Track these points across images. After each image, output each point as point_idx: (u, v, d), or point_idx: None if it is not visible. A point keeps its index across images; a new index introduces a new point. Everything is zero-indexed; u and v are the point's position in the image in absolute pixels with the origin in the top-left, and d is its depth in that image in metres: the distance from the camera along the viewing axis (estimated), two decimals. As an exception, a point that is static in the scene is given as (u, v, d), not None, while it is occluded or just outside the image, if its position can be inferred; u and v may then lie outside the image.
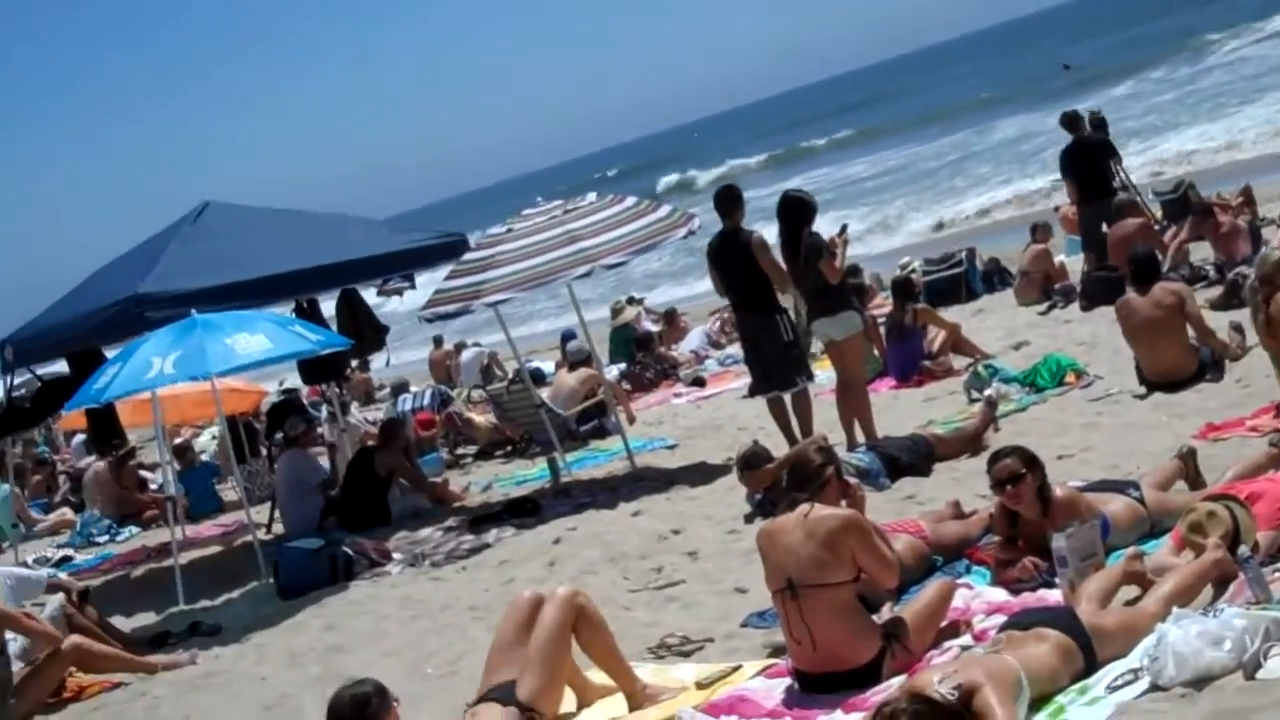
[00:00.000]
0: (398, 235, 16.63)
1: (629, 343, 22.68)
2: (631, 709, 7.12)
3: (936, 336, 15.73)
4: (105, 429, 17.14)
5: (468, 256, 14.91)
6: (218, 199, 16.23)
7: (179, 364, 12.40)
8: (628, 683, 7.20)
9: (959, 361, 15.21)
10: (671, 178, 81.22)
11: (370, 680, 6.54)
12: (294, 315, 15.79)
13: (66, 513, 20.92)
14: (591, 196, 14.98)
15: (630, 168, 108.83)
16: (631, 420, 16.62)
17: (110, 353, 14.36)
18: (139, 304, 13.50)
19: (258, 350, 12.62)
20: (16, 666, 10.24)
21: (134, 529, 18.49)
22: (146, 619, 12.44)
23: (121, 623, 12.01)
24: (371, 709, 6.34)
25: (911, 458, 11.06)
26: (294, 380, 21.37)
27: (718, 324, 23.38)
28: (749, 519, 10.53)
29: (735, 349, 21.17)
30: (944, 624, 7.04)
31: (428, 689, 8.45)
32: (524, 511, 12.92)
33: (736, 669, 7.33)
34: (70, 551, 17.88)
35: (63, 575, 13.33)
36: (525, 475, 15.50)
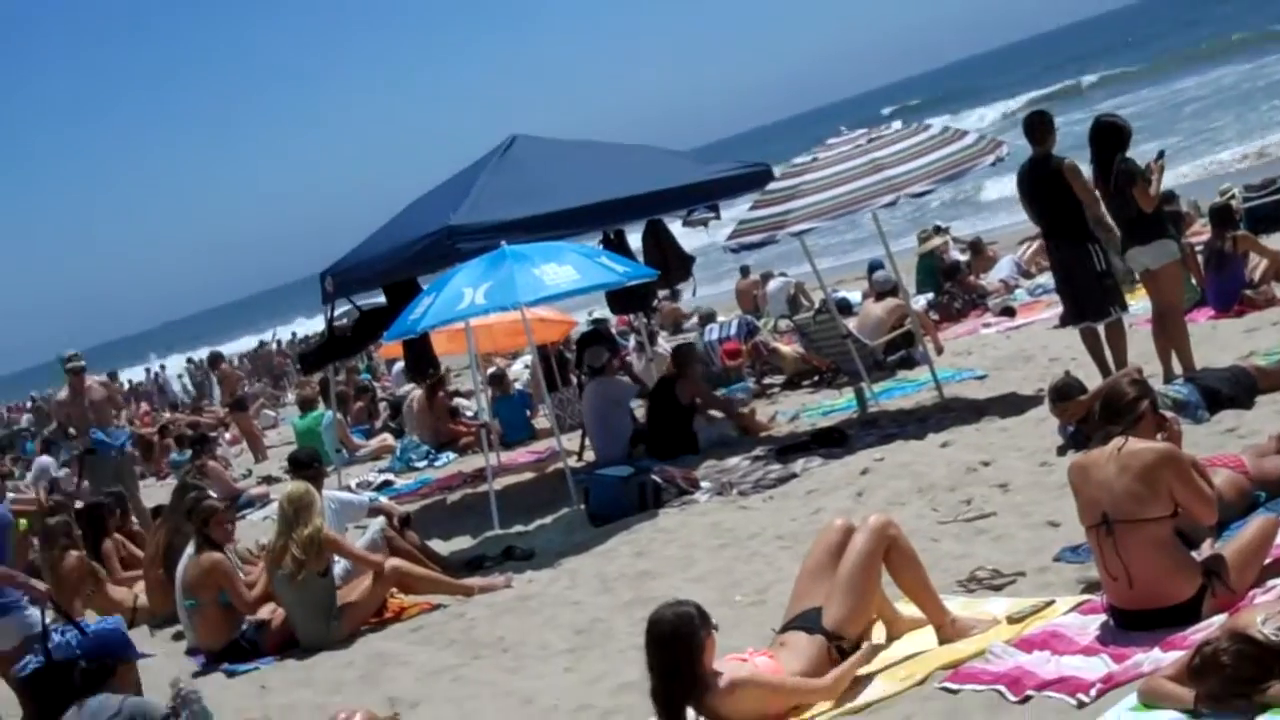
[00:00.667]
0: (702, 166, 16.66)
1: (935, 272, 22.35)
2: (941, 642, 7.03)
3: (1258, 265, 15.09)
4: (421, 358, 17.60)
5: (772, 187, 14.84)
6: (525, 133, 16.47)
7: (490, 294, 12.68)
8: (937, 615, 7.11)
9: (1284, 290, 14.57)
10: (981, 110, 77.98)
11: (691, 601, 6.60)
12: (601, 246, 15.97)
13: (387, 438, 21.65)
14: (896, 125, 14.76)
15: (923, 102, 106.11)
16: (939, 351, 16.42)
17: (425, 283, 14.75)
18: (451, 236, 13.82)
19: (566, 281, 12.83)
20: (340, 584, 10.68)
21: (451, 455, 19.01)
22: (463, 543, 12.80)
23: (439, 546, 12.38)
24: (692, 629, 6.38)
25: (1232, 390, 10.62)
26: (603, 311, 21.62)
27: (1027, 253, 22.88)
28: (1061, 451, 10.28)
29: (1046, 279, 20.67)
30: (1268, 561, 6.76)
31: (736, 616, 8.48)
32: (831, 441, 12.87)
33: (1049, 604, 7.16)
34: (390, 476, 18.53)
35: (384, 499, 13.83)
36: (832, 405, 15.43)
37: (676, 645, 6.41)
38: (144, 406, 39.99)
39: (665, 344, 20.69)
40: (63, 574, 12.77)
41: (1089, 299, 12.13)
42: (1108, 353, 11.95)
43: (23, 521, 15.19)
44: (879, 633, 7.26)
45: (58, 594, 12.66)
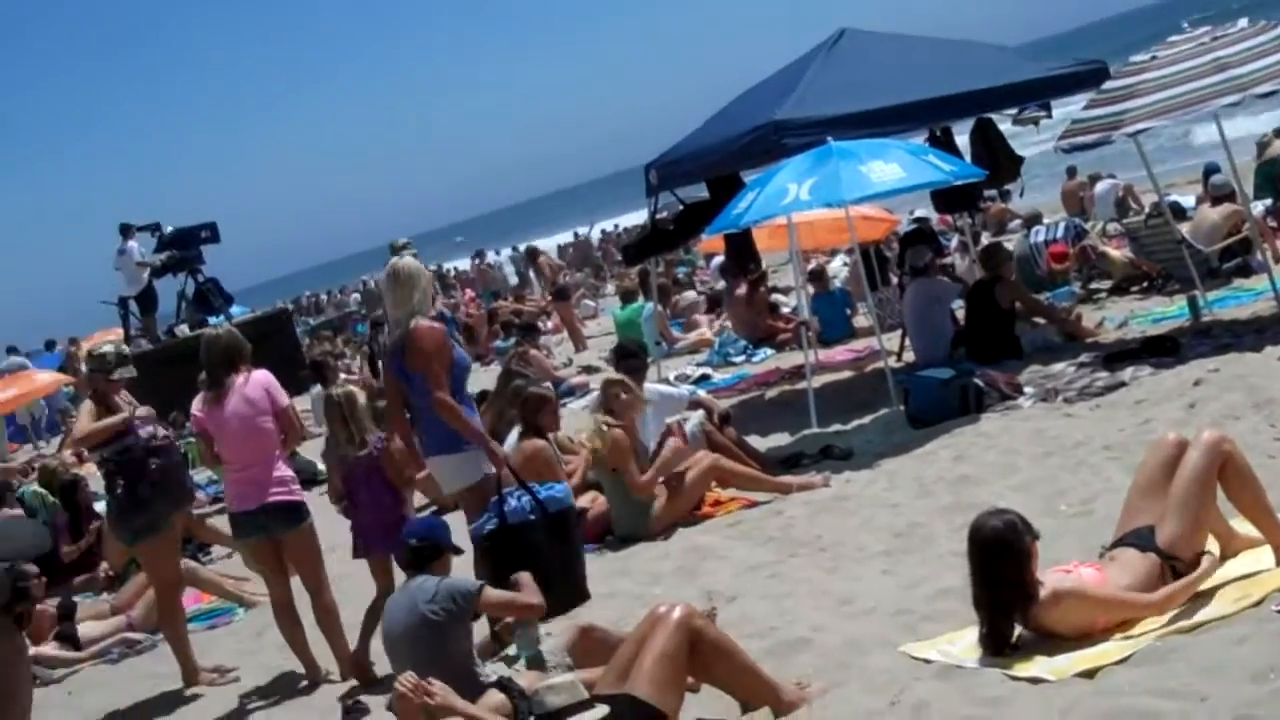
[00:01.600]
0: (1034, 64, 16.19)
1: (1274, 179, 21.34)
2: (1279, 563, 6.76)
3: None
4: (742, 253, 17.61)
5: (1107, 85, 14.32)
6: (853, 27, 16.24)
7: (814, 190, 12.60)
8: (1276, 535, 6.83)
9: None
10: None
11: (1013, 511, 6.49)
12: (927, 144, 15.69)
13: (705, 332, 21.78)
14: (1242, 23, 14.09)
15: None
16: (1278, 259, 15.71)
17: (748, 178, 14.71)
18: (777, 130, 13.75)
19: (891, 179, 12.65)
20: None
21: (768, 351, 19.01)
22: (780, 440, 12.81)
23: (756, 442, 12.42)
24: (1017, 537, 6.28)
25: None
26: (926, 210, 21.30)
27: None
28: None
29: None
30: None
31: (1060, 526, 8.29)
32: (1162, 350, 12.43)
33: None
34: (708, 370, 18.63)
35: (703, 393, 13.89)
36: (1163, 313, 14.89)
37: (1001, 553, 6.34)
38: (469, 293, 41.01)
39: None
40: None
41: None
42: None
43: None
44: (1212, 549, 7.00)
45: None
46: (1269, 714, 5.18)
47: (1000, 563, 6.33)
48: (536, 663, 7.21)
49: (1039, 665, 6.24)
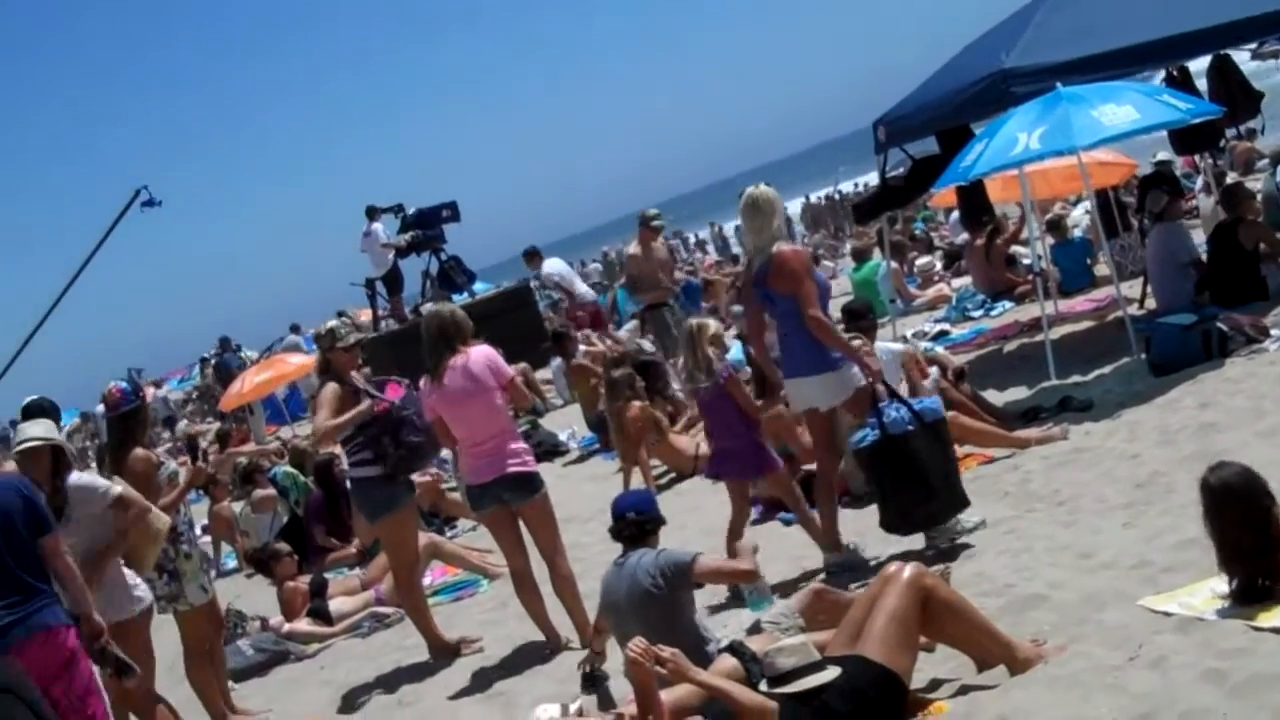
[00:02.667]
0: (1273, -5, 15.58)
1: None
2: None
3: None
4: (975, 206, 17.34)
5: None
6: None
7: (1044, 138, 12.34)
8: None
9: None
10: None
11: (1241, 465, 6.29)
12: (1163, 84, 15.25)
13: (943, 288, 21.50)
14: None
15: None
16: None
17: (978, 129, 14.46)
18: (1005, 79, 13.50)
19: (1124, 121, 12.28)
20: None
21: (1007, 304, 18.67)
22: (1018, 393, 12.60)
23: (994, 396, 12.25)
24: (1258, 487, 6.12)
25: None
26: (1168, 152, 20.65)
27: None
28: None
29: None
30: None
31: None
32: None
33: None
34: (946, 326, 18.40)
35: (940, 350, 13.75)
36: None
37: (1248, 503, 6.17)
38: (709, 259, 41.26)
39: (1250, 184, 19.50)
40: (626, 424, 13.34)
41: None
42: None
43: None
44: None
45: (623, 443, 13.35)
46: None
47: (1235, 511, 6.16)
48: (770, 618, 7.25)
49: (1283, 615, 6.05)
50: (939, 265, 23.46)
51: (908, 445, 8.58)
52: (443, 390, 9.15)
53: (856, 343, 9.75)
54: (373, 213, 26.78)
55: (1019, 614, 7.18)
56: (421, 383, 9.43)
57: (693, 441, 13.54)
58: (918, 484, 8.57)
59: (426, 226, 27.03)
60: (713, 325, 9.60)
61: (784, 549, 9.71)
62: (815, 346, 8.80)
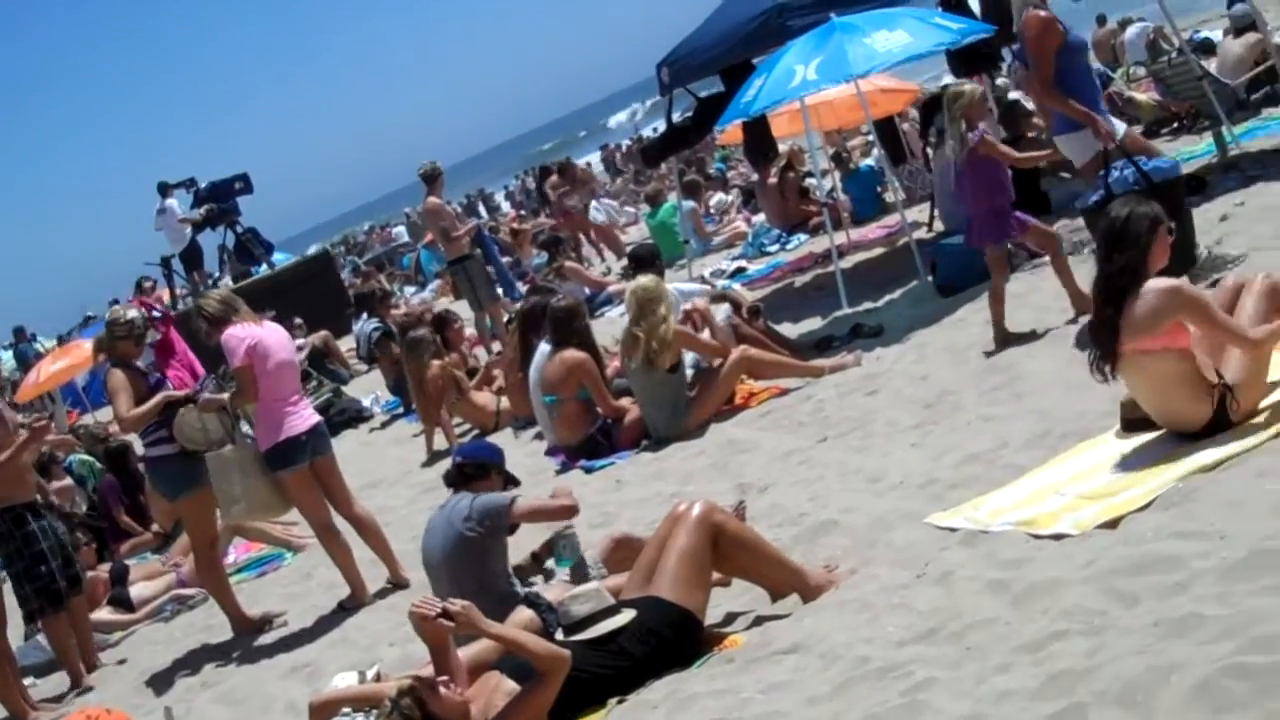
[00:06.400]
0: (1039, -89, 15.79)
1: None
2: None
3: None
4: (760, 141, 17.37)
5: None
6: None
7: (821, 69, 12.39)
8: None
9: None
10: None
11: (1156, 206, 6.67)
12: (938, 8, 15.38)
13: (740, 225, 21.58)
14: None
15: None
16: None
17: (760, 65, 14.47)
18: (780, 13, 13.53)
19: (899, 47, 12.40)
20: (690, 374, 10.74)
21: (803, 237, 18.79)
22: (812, 324, 12.69)
23: (789, 329, 12.33)
24: (1144, 227, 6.50)
25: None
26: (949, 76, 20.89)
27: None
28: None
29: None
30: None
31: (1088, 379, 7.99)
32: (1191, 190, 12.12)
33: None
34: (743, 263, 18.46)
35: (736, 286, 13.80)
36: (1191, 152, 14.53)
37: (1127, 239, 6.51)
38: (512, 213, 41.07)
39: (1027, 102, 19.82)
40: (427, 383, 13.21)
41: None
42: None
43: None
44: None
45: (422, 401, 13.24)
46: (1290, 545, 5.06)
47: (1123, 247, 6.50)
48: (580, 571, 7.21)
49: (1063, 521, 6.14)
50: (736, 202, 23.53)
51: None
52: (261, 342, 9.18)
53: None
54: (165, 189, 26.21)
55: (812, 541, 7.22)
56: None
57: (494, 398, 13.45)
58: None
59: (220, 199, 26.57)
60: (968, 90, 10.07)
61: (583, 496, 9.67)
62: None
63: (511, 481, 7.70)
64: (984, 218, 9.91)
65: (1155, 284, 6.44)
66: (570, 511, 7.51)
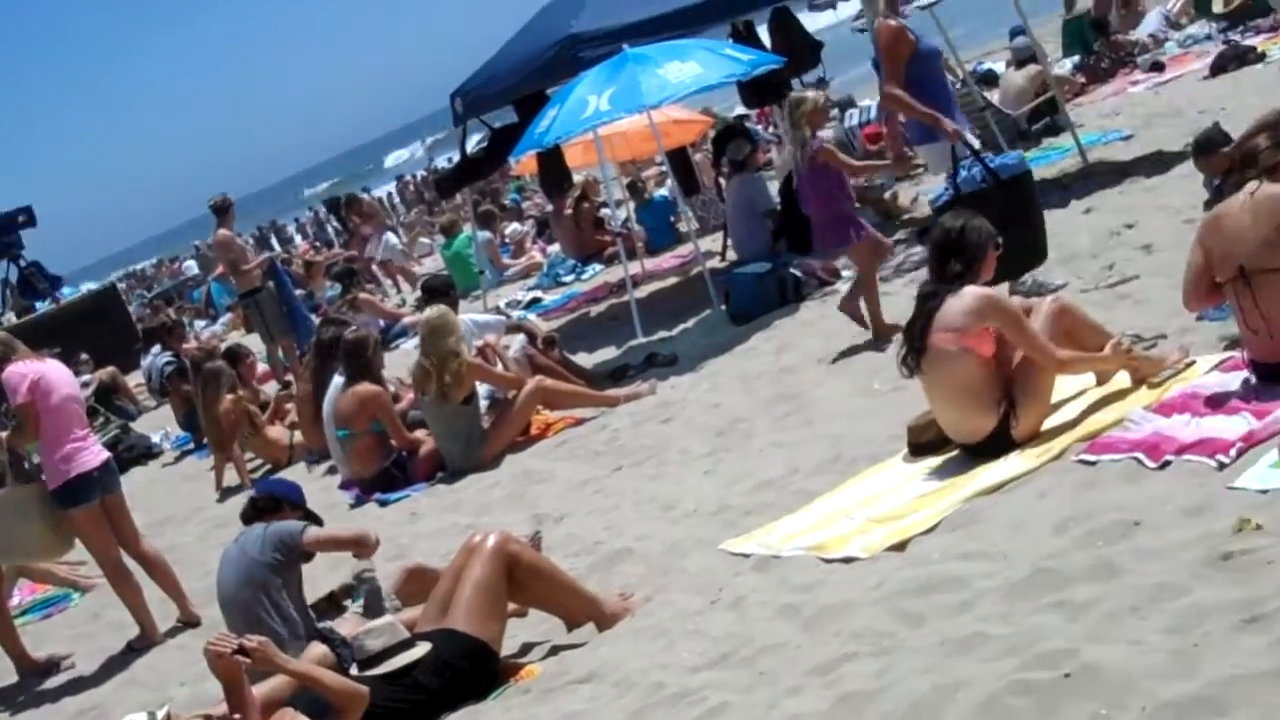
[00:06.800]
0: (827, -53, 16.16)
1: (1082, 34, 21.54)
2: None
3: None
4: (554, 172, 17.39)
5: (898, -39, 14.34)
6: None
7: (614, 99, 12.46)
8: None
9: None
10: None
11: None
12: (731, 40, 15.59)
13: (535, 256, 21.57)
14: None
15: None
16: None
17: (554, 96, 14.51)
18: (574, 44, 13.58)
19: (690, 77, 12.52)
20: (485, 405, 10.70)
21: (598, 267, 18.85)
22: (608, 354, 12.73)
23: (585, 359, 12.35)
24: (976, 239, 6.87)
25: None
26: (742, 108, 21.18)
27: (1177, 4, 21.96)
28: (1207, 206, 9.82)
29: (1196, 28, 19.91)
30: None
31: (875, 405, 8.37)
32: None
33: (1190, 365, 6.89)
34: (539, 293, 18.46)
35: (531, 317, 13.77)
36: (1043, 156, 14.79)
37: (965, 249, 6.81)
38: (304, 244, 40.64)
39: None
40: (220, 417, 12.99)
41: None
42: None
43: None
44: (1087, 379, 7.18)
45: (215, 435, 13.01)
46: (1068, 563, 5.22)
47: (960, 255, 6.79)
48: (373, 604, 7.13)
49: (853, 545, 6.25)
50: (531, 233, 23.53)
51: (981, 203, 8.68)
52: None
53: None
54: (-57, 223, 25.53)
55: (608, 570, 7.25)
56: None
57: (286, 432, 13.27)
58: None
59: (2, 233, 25.89)
60: (810, 98, 10.46)
61: (378, 529, 9.55)
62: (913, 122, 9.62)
63: (314, 520, 7.58)
64: (826, 222, 10.16)
65: (975, 288, 6.70)
66: (363, 542, 7.43)
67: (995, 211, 8.61)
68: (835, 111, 23.49)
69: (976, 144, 9.80)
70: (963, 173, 9.08)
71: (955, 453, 6.93)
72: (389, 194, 47.91)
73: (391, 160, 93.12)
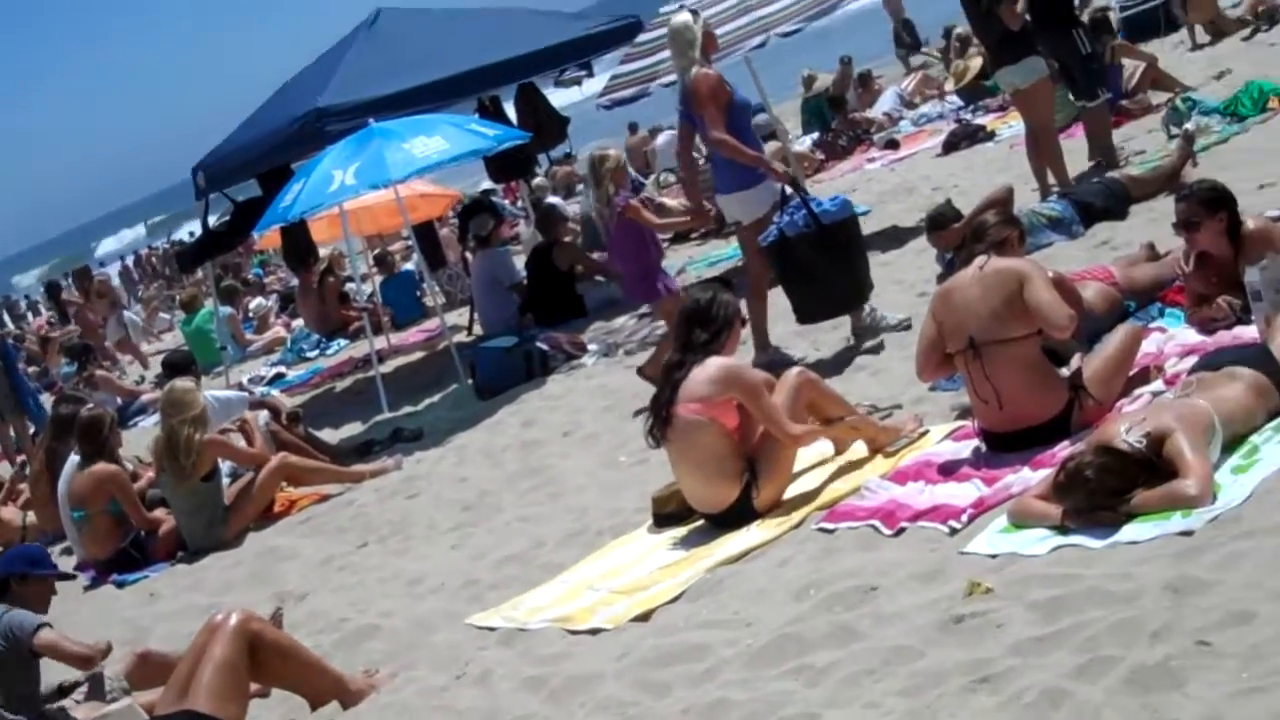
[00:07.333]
0: (572, 24, 16.35)
1: (821, 112, 22.18)
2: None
3: (1134, 73, 15.05)
4: (299, 246, 17.24)
5: (642, 38, 14.65)
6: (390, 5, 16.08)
7: (359, 174, 12.37)
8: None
9: (1158, 98, 14.55)
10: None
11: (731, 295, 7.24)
12: (477, 114, 15.68)
13: (279, 331, 21.28)
14: (763, -35, 14.55)
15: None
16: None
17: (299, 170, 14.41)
18: (319, 118, 13.51)
19: (436, 152, 12.50)
20: (227, 482, 10.50)
21: (342, 342, 18.67)
22: (353, 429, 12.61)
23: (330, 435, 12.21)
24: (719, 312, 7.02)
25: (1105, 202, 10.61)
26: (489, 182, 21.29)
27: (911, 84, 22.77)
28: (940, 280, 10.15)
29: (929, 108, 20.65)
30: (1134, 371, 6.74)
31: (621, 477, 8.44)
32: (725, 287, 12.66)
33: (923, 434, 7.12)
34: (283, 369, 18.21)
35: (275, 393, 13.57)
36: (719, 255, 15.19)
37: (713, 320, 6.94)
38: (40, 320, 39.45)
39: (569, 208, 20.31)
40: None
41: (1077, 82, 12.37)
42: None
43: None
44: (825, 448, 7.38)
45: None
46: (808, 629, 5.34)
47: (706, 326, 6.94)
48: (96, 689, 6.92)
49: (598, 616, 6.29)
50: (275, 308, 23.22)
51: (803, 245, 9.05)
52: None
53: None
54: None
55: (354, 647, 7.15)
56: None
57: (19, 513, 12.80)
58: (809, 281, 9.17)
59: None
60: (612, 156, 10.67)
61: (115, 611, 9.30)
62: (734, 165, 9.49)
63: (56, 575, 7.44)
64: (634, 275, 10.35)
65: (720, 359, 6.84)
66: (88, 662, 7.17)
67: (819, 254, 8.98)
68: (581, 187, 23.81)
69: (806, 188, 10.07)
70: (787, 217, 9.22)
71: (699, 523, 7.03)
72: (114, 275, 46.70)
73: (102, 249, 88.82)
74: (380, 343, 15.42)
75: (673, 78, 13.32)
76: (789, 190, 9.47)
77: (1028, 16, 11.59)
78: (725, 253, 15.08)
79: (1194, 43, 18.32)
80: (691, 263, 15.47)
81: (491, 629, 6.66)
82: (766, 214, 9.48)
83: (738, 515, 6.80)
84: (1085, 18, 15.68)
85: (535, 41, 15.26)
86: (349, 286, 20.00)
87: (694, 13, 10.10)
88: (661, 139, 25.61)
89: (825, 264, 9.08)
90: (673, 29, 9.76)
